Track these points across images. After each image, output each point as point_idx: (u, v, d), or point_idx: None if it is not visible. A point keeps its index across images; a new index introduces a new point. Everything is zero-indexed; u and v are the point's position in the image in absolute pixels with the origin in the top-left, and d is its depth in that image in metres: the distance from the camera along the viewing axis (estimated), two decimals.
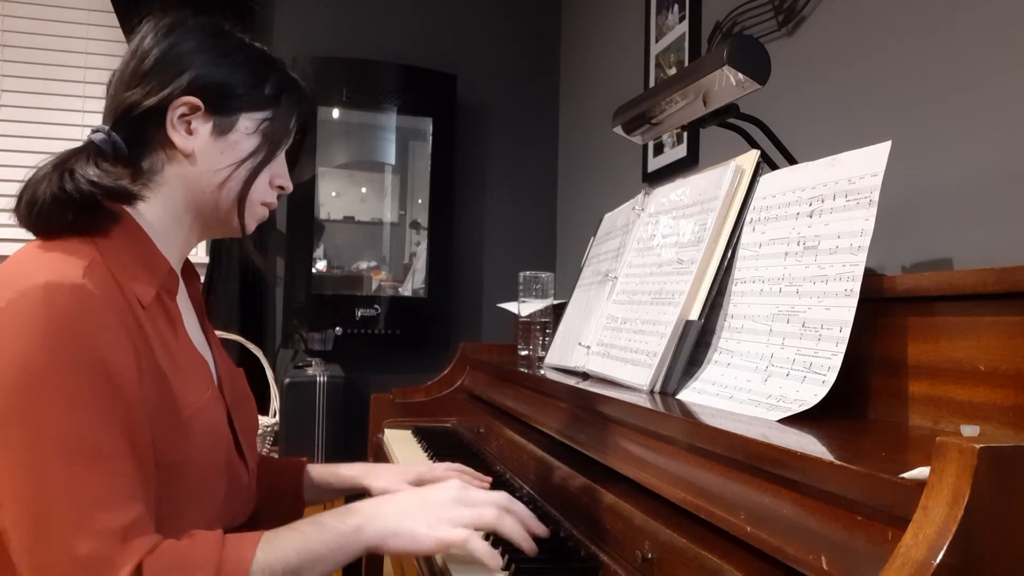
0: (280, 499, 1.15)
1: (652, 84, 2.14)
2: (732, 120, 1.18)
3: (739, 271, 1.00)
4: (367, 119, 2.80)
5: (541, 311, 1.69)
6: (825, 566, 0.56)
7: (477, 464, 1.37)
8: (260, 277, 2.63)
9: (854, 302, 0.79)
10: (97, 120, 0.93)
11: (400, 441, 1.79)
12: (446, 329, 2.78)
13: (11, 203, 0.84)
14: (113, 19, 2.51)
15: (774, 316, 0.90)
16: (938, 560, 0.45)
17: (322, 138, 2.69)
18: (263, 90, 0.94)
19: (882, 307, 0.83)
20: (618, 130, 1.42)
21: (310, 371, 2.35)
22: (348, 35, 2.82)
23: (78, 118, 2.58)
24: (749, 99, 1.11)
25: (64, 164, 0.83)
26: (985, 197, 1.07)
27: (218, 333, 1.07)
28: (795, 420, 0.78)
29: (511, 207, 3.00)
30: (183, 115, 0.90)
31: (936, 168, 1.16)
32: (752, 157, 1.06)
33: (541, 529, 0.92)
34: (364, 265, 2.80)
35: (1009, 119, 1.05)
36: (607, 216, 1.58)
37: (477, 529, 0.86)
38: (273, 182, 0.98)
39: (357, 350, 2.65)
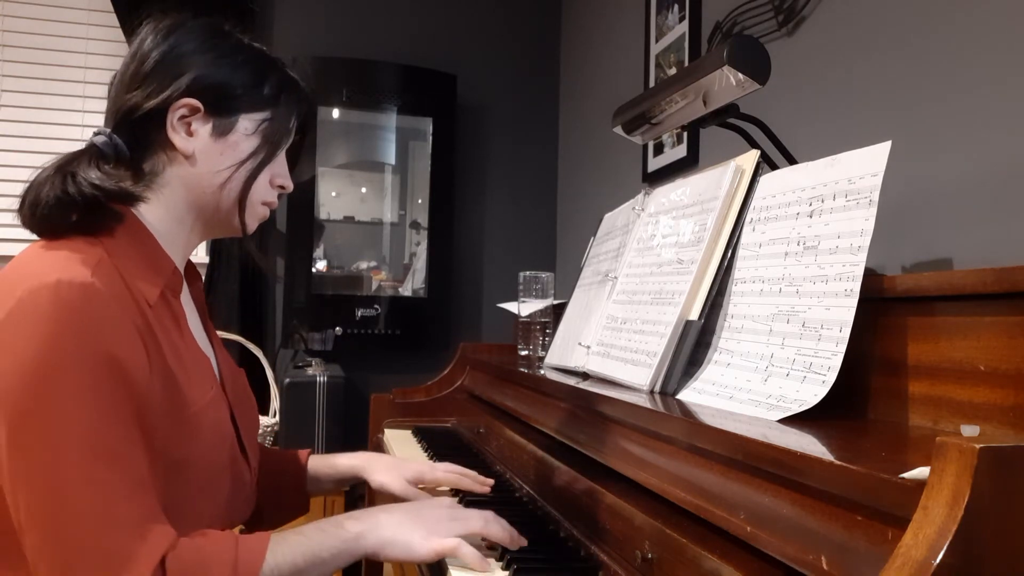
0: (284, 496, 1.16)
1: (652, 84, 2.14)
2: (732, 120, 1.18)
3: (739, 271, 1.00)
4: (367, 119, 2.80)
5: (541, 311, 1.69)
6: (825, 566, 0.56)
7: (477, 464, 1.37)
8: (260, 277, 2.63)
9: (854, 302, 0.79)
10: (98, 120, 0.94)
11: (400, 441, 1.79)
12: (446, 329, 2.78)
13: (12, 203, 0.85)
14: (113, 19, 2.51)
15: (774, 316, 0.90)
16: (938, 560, 0.45)
17: (322, 138, 2.69)
18: (262, 90, 0.95)
19: (882, 307, 0.83)
20: (618, 130, 1.42)
21: (310, 371, 2.35)
22: (348, 35, 2.82)
23: (78, 118, 2.58)
24: (749, 99, 1.11)
25: (66, 167, 0.84)
26: (985, 197, 1.07)
27: (218, 333, 1.07)
28: (795, 420, 0.78)
29: (511, 207, 3.00)
30: (183, 117, 0.90)
31: (936, 168, 1.16)
32: (752, 157, 1.06)
33: (522, 541, 0.94)
34: (364, 265, 2.80)
35: (1009, 119, 1.05)
36: (607, 216, 1.58)
37: (466, 537, 0.90)
38: (274, 182, 0.99)
39: (357, 350, 2.65)
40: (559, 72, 3.06)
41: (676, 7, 2.01)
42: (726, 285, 1.02)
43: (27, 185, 0.84)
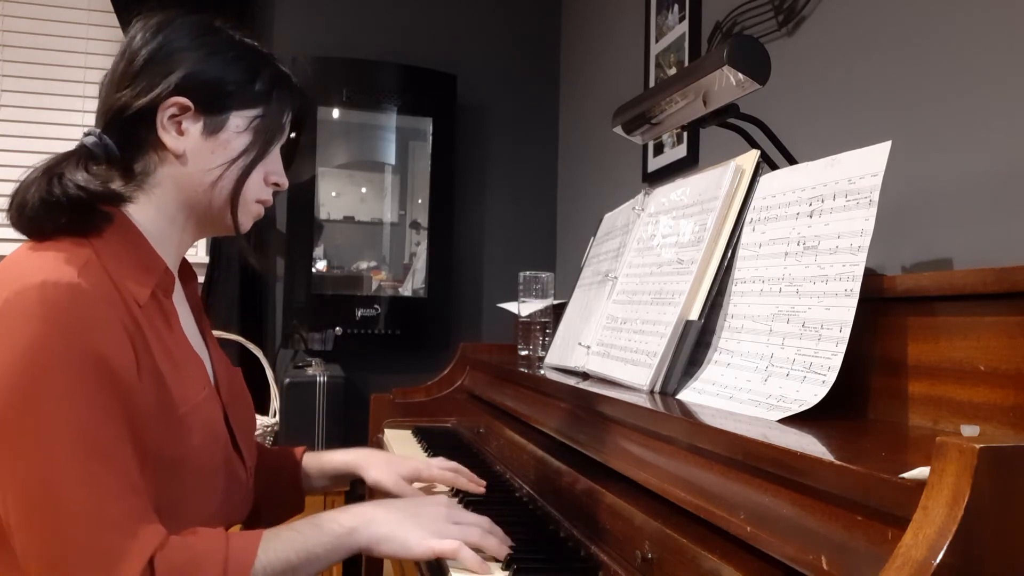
0: (280, 493, 1.16)
1: (652, 84, 2.14)
2: (732, 120, 1.18)
3: (739, 271, 1.00)
4: (367, 119, 2.80)
5: (541, 311, 1.69)
6: (825, 566, 0.56)
7: (477, 464, 1.37)
8: (260, 277, 2.63)
9: (854, 302, 0.79)
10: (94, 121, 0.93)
11: (400, 441, 1.79)
12: (446, 329, 2.78)
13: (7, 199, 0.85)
14: (113, 19, 2.51)
15: (774, 316, 0.90)
16: (938, 560, 0.45)
17: (322, 138, 2.69)
18: (253, 87, 0.93)
19: (882, 307, 0.83)
20: (618, 130, 1.42)
21: (310, 371, 2.35)
22: (348, 35, 2.82)
23: (78, 118, 2.58)
24: (749, 99, 1.11)
25: (54, 169, 0.84)
26: (985, 197, 1.07)
27: (218, 333, 1.07)
28: (795, 420, 0.78)
29: (511, 207, 2.99)
30: (173, 116, 0.89)
31: (936, 168, 1.16)
32: (752, 157, 1.06)
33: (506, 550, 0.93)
34: (364, 265, 2.80)
35: (1009, 119, 1.05)
36: (607, 216, 1.58)
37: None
38: (268, 179, 0.97)
39: (357, 350, 2.65)
40: (559, 72, 3.06)
41: (676, 7, 2.01)
42: (726, 285, 1.02)
43: (15, 187, 0.84)
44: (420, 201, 2.82)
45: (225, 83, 0.91)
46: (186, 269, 1.02)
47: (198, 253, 2.65)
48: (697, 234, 1.08)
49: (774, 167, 1.07)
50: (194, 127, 0.90)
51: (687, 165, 1.93)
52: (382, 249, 2.87)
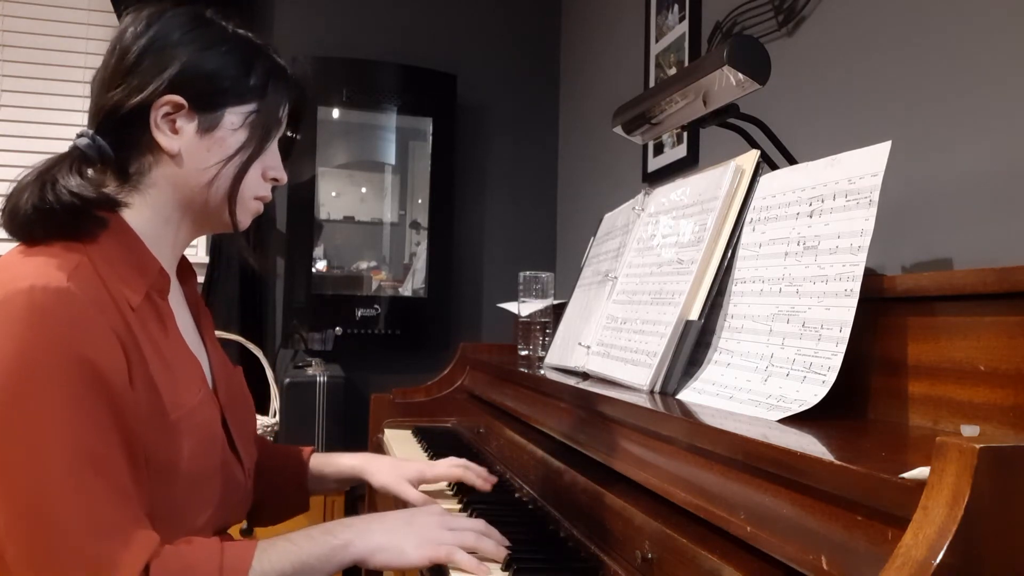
0: (285, 493, 1.16)
1: (652, 84, 2.14)
2: (732, 120, 1.18)
3: (739, 271, 1.00)
4: (367, 119, 2.80)
5: (541, 311, 1.69)
6: (825, 566, 0.56)
7: (477, 464, 1.37)
8: (260, 277, 2.63)
9: (854, 302, 0.79)
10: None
11: (400, 441, 1.79)
12: (446, 329, 2.78)
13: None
14: (113, 19, 2.51)
15: (774, 316, 0.90)
16: (938, 560, 0.45)
17: (322, 138, 2.69)
18: (248, 81, 0.91)
19: (882, 307, 0.83)
20: (618, 130, 1.42)
21: (310, 371, 2.35)
22: (348, 35, 2.82)
23: (78, 118, 2.58)
24: (749, 99, 1.11)
25: (47, 173, 0.82)
26: (985, 197, 1.07)
27: (218, 333, 1.06)
28: (795, 420, 0.78)
29: (511, 207, 3.00)
30: (167, 114, 0.87)
31: (936, 168, 1.16)
32: (752, 157, 1.06)
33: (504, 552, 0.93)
34: (364, 265, 2.80)
35: (1009, 119, 1.05)
36: (607, 216, 1.58)
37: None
38: (266, 175, 0.96)
39: (357, 350, 2.65)
40: (559, 72, 3.06)
41: (676, 7, 2.01)
42: (726, 285, 1.02)
43: (8, 191, 0.82)
44: (420, 201, 2.82)
45: (219, 79, 0.89)
46: (185, 268, 1.00)
47: (198, 253, 2.65)
48: (697, 234, 1.08)
49: (774, 167, 1.07)
50: (188, 125, 0.88)
51: (687, 165, 1.93)
52: (382, 249, 2.87)
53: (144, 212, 0.89)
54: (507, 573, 0.88)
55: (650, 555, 0.80)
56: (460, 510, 1.14)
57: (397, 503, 1.16)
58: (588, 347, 1.30)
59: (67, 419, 0.72)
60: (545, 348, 1.65)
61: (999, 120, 1.06)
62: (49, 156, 0.86)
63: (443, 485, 1.23)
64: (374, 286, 2.77)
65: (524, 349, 1.71)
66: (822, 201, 0.89)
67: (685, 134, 1.94)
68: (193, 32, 0.89)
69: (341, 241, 2.81)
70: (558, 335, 1.55)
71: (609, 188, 2.48)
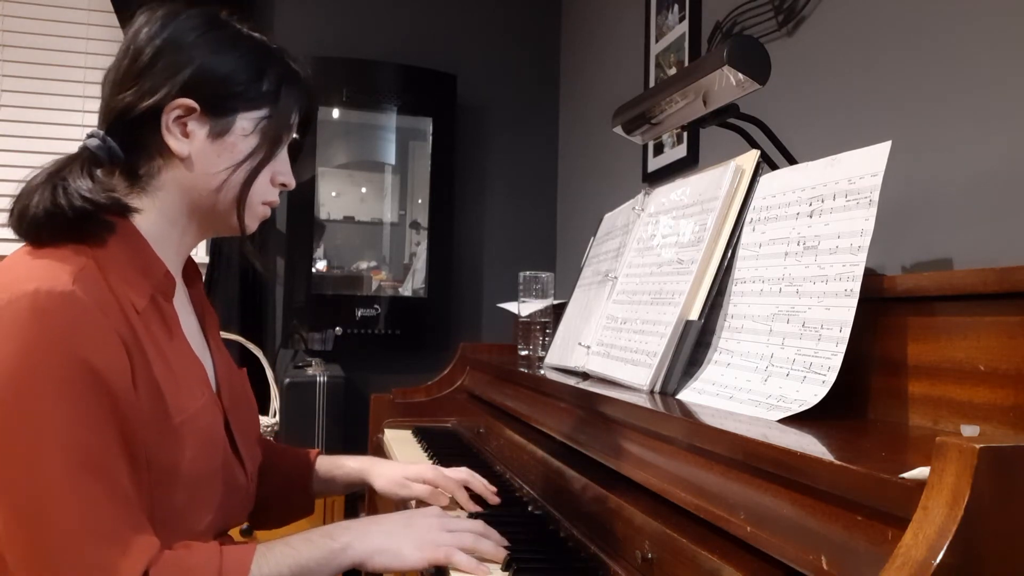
0: (290, 496, 1.15)
1: (652, 84, 2.14)
2: (732, 120, 1.18)
3: (739, 271, 1.00)
4: (367, 119, 2.80)
5: (541, 311, 1.69)
6: (825, 566, 0.56)
7: (477, 464, 1.37)
8: (260, 277, 2.63)
9: (854, 302, 0.79)
10: (97, 121, 0.91)
11: (400, 441, 1.79)
12: (446, 329, 2.78)
13: (10, 203, 0.83)
14: (113, 19, 2.51)
15: (774, 316, 0.90)
16: (938, 560, 0.45)
17: (322, 138, 2.69)
18: (261, 87, 0.90)
19: (882, 307, 0.83)
20: (618, 130, 1.42)
21: (310, 371, 2.35)
22: (348, 35, 2.82)
23: (78, 118, 2.58)
24: (749, 99, 1.11)
25: (57, 175, 0.81)
26: (985, 197, 1.07)
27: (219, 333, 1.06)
28: (795, 420, 0.78)
29: (511, 207, 3.00)
30: (178, 117, 0.86)
31: (936, 168, 1.16)
32: (752, 157, 1.06)
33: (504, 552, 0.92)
34: (364, 265, 2.80)
35: (1009, 119, 1.05)
36: (607, 216, 1.58)
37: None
38: (275, 180, 0.95)
39: (357, 350, 2.64)
40: (559, 72, 3.06)
41: (676, 7, 2.01)
42: (726, 285, 1.02)
43: (17, 193, 0.82)
44: (420, 201, 2.82)
45: (232, 83, 0.88)
46: (191, 269, 1.00)
47: (198, 253, 2.65)
48: (697, 234, 1.08)
49: (774, 167, 1.07)
50: (200, 129, 0.87)
51: (687, 165, 1.93)
52: (382, 249, 2.87)
53: (151, 214, 0.88)
54: (507, 573, 0.88)
55: (650, 555, 0.80)
56: (460, 510, 1.14)
57: (397, 505, 1.16)
58: (588, 347, 1.30)
59: (67, 424, 0.72)
60: (545, 348, 1.65)
61: (999, 120, 1.06)
62: (57, 156, 0.85)
63: (442, 494, 1.21)
64: (374, 286, 2.77)
65: (524, 349, 1.71)
66: (822, 201, 0.89)
67: (685, 134, 1.94)
68: (208, 35, 0.88)
69: (341, 241, 2.81)
70: (558, 335, 1.55)
71: (609, 188, 2.48)
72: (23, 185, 0.82)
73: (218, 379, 0.97)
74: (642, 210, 1.34)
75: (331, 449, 2.26)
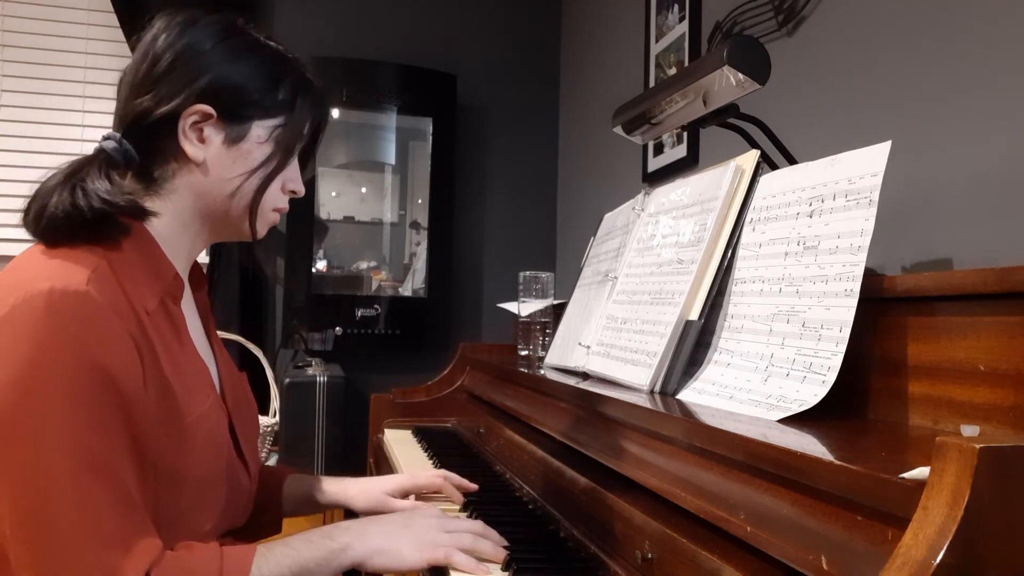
0: (259, 512, 1.09)
1: (652, 84, 2.14)
2: (732, 120, 1.18)
3: (739, 271, 1.00)
4: (367, 119, 2.80)
5: (541, 311, 1.69)
6: (825, 566, 0.56)
7: (477, 464, 1.37)
8: (260, 277, 2.63)
9: (854, 302, 0.79)
10: (98, 121, 0.92)
11: (400, 441, 1.79)
12: (446, 329, 2.78)
13: (10, 203, 0.83)
14: (113, 19, 2.50)
15: (774, 316, 0.90)
16: (938, 560, 0.45)
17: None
18: (277, 95, 0.91)
19: (882, 307, 0.83)
20: (618, 130, 1.42)
21: (310, 371, 2.35)
22: (348, 35, 2.82)
23: (78, 118, 2.58)
24: (749, 99, 1.11)
25: (75, 175, 0.82)
26: (985, 197, 1.07)
27: (218, 333, 1.06)
28: (795, 420, 0.78)
29: (511, 207, 2.99)
30: (195, 123, 0.87)
31: (936, 168, 1.16)
32: (752, 157, 1.06)
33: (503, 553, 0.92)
34: (364, 265, 2.80)
35: (1009, 119, 1.05)
36: (607, 216, 1.58)
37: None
38: (285, 187, 0.96)
39: (357, 350, 2.64)
40: (559, 72, 3.06)
41: (676, 7, 2.01)
42: (726, 285, 1.02)
43: (33, 192, 0.82)
44: (420, 201, 2.82)
45: (249, 92, 0.89)
46: (196, 273, 1.01)
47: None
48: (697, 234, 1.08)
49: (774, 167, 1.07)
50: (216, 136, 0.89)
51: (687, 165, 1.93)
52: (382, 249, 2.87)
53: (163, 217, 0.89)
54: (507, 573, 0.88)
55: (650, 555, 0.80)
56: (460, 511, 1.14)
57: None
58: (588, 347, 1.30)
59: (76, 424, 0.72)
60: (545, 348, 1.65)
61: (999, 120, 1.06)
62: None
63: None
64: (374, 286, 2.77)
65: (524, 349, 1.71)
66: (822, 201, 0.89)
67: (685, 134, 1.94)
68: (225, 43, 0.90)
69: (341, 241, 2.81)
70: (558, 335, 1.55)
71: (609, 188, 2.48)
72: (38, 186, 0.83)
73: (222, 382, 0.98)
74: (642, 210, 1.34)
75: (331, 449, 2.27)
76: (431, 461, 1.52)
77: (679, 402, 0.97)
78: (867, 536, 0.55)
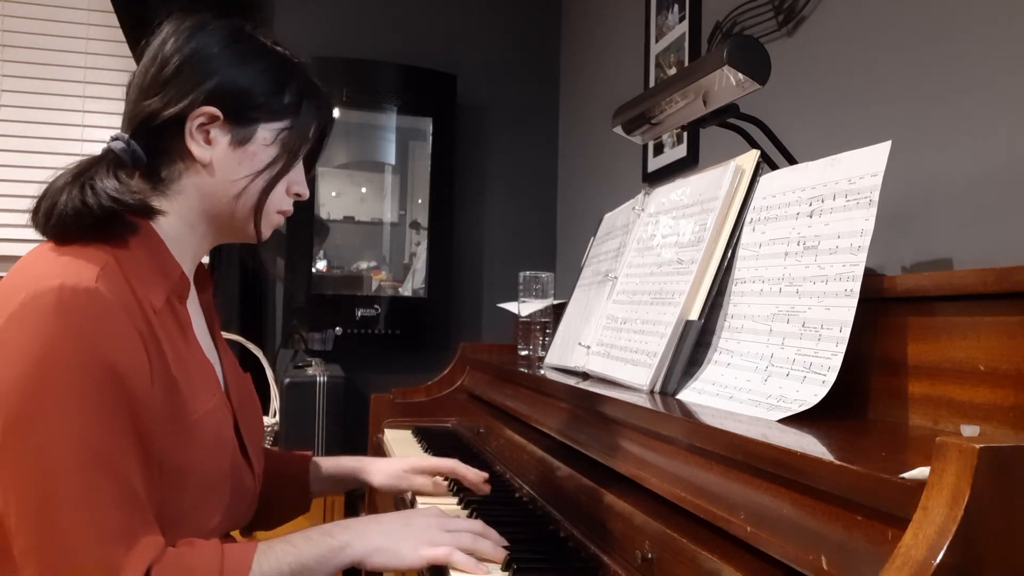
0: (287, 491, 1.17)
1: (652, 84, 2.14)
2: (732, 120, 1.18)
3: (739, 271, 1.00)
4: (367, 119, 2.80)
5: (541, 311, 1.69)
6: (825, 566, 0.56)
7: (477, 464, 1.37)
8: (260, 277, 2.63)
9: (854, 302, 0.79)
10: (97, 121, 0.93)
11: (400, 441, 1.79)
12: (446, 329, 2.78)
13: (10, 203, 0.84)
14: (113, 19, 2.50)
15: (774, 316, 0.90)
16: (938, 560, 0.45)
17: None
18: (283, 99, 0.93)
19: (882, 307, 0.83)
20: (618, 130, 1.42)
21: (310, 371, 2.35)
22: (348, 35, 2.82)
23: (78, 118, 2.58)
24: (749, 99, 1.11)
25: (84, 174, 0.83)
26: (985, 197, 1.07)
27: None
28: (795, 420, 0.78)
29: (511, 207, 3.00)
30: (202, 124, 0.89)
31: (936, 168, 1.16)
32: (752, 157, 1.06)
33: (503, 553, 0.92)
34: (364, 265, 2.80)
35: (1009, 119, 1.05)
36: (607, 216, 1.58)
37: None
38: (290, 190, 0.97)
39: (357, 350, 2.65)
40: (559, 72, 3.06)
41: (676, 7, 2.01)
42: (726, 285, 1.02)
43: (42, 191, 0.84)
44: (420, 201, 2.82)
45: (255, 95, 0.91)
46: (201, 274, 1.02)
47: None
48: (697, 234, 1.08)
49: (774, 167, 1.07)
50: (222, 137, 0.90)
51: (687, 165, 1.93)
52: (382, 249, 2.87)
53: (170, 217, 0.90)
54: (507, 573, 0.88)
55: (650, 555, 0.80)
56: (460, 510, 1.14)
57: (397, 503, 1.16)
58: (588, 347, 1.30)
59: (82, 420, 0.73)
60: (545, 348, 1.66)
61: (999, 120, 1.06)
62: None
63: (443, 485, 1.23)
64: (374, 286, 2.77)
65: (524, 349, 1.71)
66: (822, 201, 0.89)
67: (685, 134, 1.94)
68: (233, 47, 0.91)
69: (341, 241, 2.81)
70: (558, 335, 1.55)
71: (609, 188, 2.48)
72: (47, 185, 0.84)
73: (226, 382, 0.99)
74: (642, 210, 1.34)
75: (331, 449, 2.27)
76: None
77: (679, 402, 0.97)
78: (867, 536, 0.55)
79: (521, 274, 1.73)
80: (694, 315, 1.02)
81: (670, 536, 0.78)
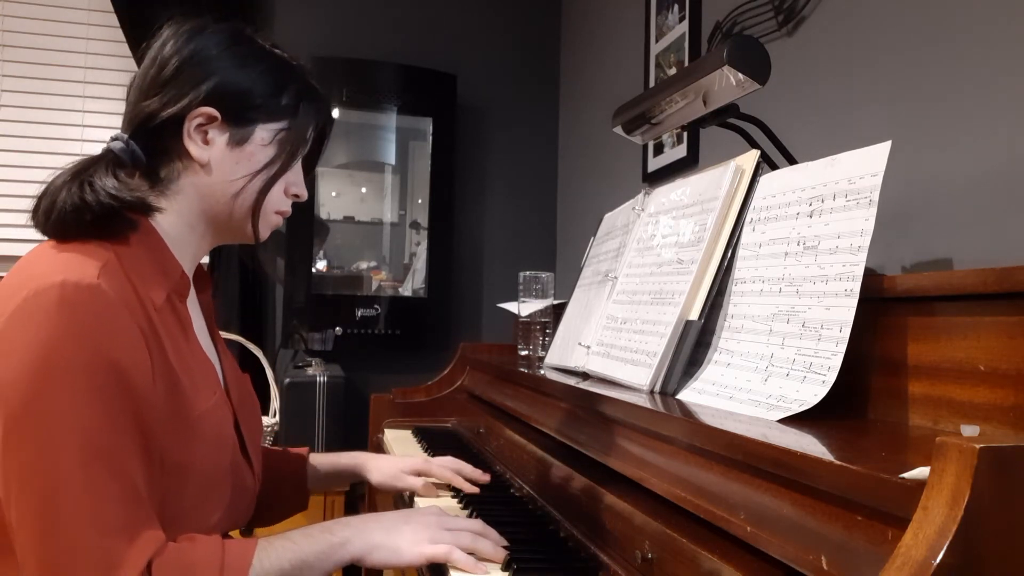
0: (285, 489, 1.17)
1: (652, 84, 2.14)
2: (732, 120, 1.18)
3: (739, 271, 1.00)
4: (367, 119, 2.80)
5: (541, 311, 1.69)
6: (825, 566, 0.56)
7: (477, 464, 1.37)
8: (260, 277, 2.63)
9: (854, 302, 0.79)
10: (97, 121, 0.94)
11: (400, 441, 1.79)
12: (446, 329, 2.78)
13: (11, 203, 0.85)
14: (113, 19, 2.50)
15: (774, 316, 0.90)
16: (938, 560, 0.45)
17: None
18: (280, 100, 0.94)
19: (882, 307, 0.83)
20: (618, 130, 1.42)
21: (310, 371, 2.35)
22: (348, 35, 2.81)
23: (78, 118, 2.58)
24: (749, 99, 1.11)
25: (83, 173, 0.84)
26: (985, 197, 1.07)
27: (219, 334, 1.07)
28: (795, 420, 0.78)
29: (511, 207, 2.99)
30: (200, 125, 0.90)
31: (936, 168, 1.16)
32: (752, 157, 1.06)
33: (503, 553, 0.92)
34: (364, 265, 2.80)
35: (1009, 119, 1.05)
36: (607, 216, 1.58)
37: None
38: (288, 191, 0.98)
39: (357, 350, 2.64)
40: (559, 72, 3.05)
41: (676, 7, 2.01)
42: (726, 285, 1.02)
43: (42, 190, 0.84)
44: (420, 201, 2.82)
45: (253, 96, 0.92)
46: (201, 274, 1.02)
47: None
48: (697, 234, 1.08)
49: (774, 167, 1.07)
50: (220, 137, 0.91)
51: (687, 165, 1.93)
52: (382, 249, 2.87)
53: (170, 217, 0.91)
54: (507, 573, 0.88)
55: (650, 555, 0.80)
56: (460, 509, 1.14)
57: (397, 502, 1.17)
58: (588, 347, 1.30)
59: (84, 416, 0.73)
60: (545, 348, 1.65)
61: (999, 120, 1.06)
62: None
63: (434, 487, 1.23)
64: (374, 286, 2.77)
65: (524, 349, 1.71)
66: (822, 201, 0.89)
67: (685, 134, 1.94)
68: (231, 49, 0.92)
69: (341, 241, 2.81)
70: (558, 335, 1.55)
71: (609, 188, 2.48)
72: (47, 184, 0.85)
73: (226, 382, 0.99)
74: (642, 210, 1.34)
75: (331, 449, 2.26)
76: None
77: (679, 402, 0.97)
78: (867, 536, 0.55)
79: (521, 274, 1.73)
80: (694, 315, 1.02)
81: (670, 536, 0.78)
